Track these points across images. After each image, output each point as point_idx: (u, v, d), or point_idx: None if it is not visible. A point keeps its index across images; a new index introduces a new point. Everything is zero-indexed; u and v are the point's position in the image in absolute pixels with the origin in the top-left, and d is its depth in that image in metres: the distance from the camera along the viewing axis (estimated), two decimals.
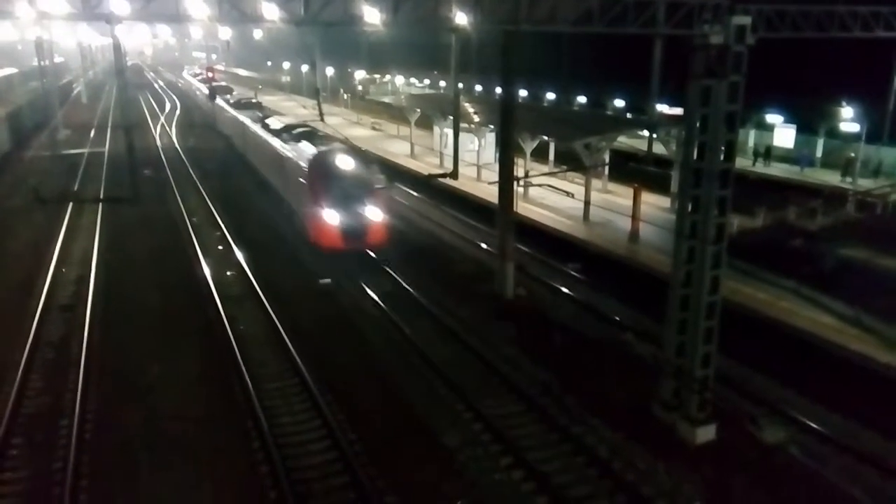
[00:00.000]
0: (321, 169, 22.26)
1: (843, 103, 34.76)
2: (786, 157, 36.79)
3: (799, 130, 37.21)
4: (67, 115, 59.91)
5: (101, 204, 29.65)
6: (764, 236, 22.27)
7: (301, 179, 22.99)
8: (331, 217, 21.44)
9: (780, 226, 23.17)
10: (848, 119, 34.96)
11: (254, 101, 47.40)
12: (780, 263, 19.57)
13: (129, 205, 22.95)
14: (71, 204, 29.74)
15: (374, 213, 22.04)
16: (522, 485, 11.70)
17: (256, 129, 34.15)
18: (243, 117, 38.96)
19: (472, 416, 13.69)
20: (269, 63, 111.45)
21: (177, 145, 48.73)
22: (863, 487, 11.55)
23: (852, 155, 32.89)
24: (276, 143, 28.38)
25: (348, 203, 21.69)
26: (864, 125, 33.15)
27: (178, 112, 70.28)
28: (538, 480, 11.64)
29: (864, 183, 29.99)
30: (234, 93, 60.00)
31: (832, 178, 32.67)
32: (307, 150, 24.36)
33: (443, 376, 15.12)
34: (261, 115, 37.19)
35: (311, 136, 27.58)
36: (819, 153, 36.10)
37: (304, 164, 22.91)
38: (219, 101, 50.54)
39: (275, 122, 32.58)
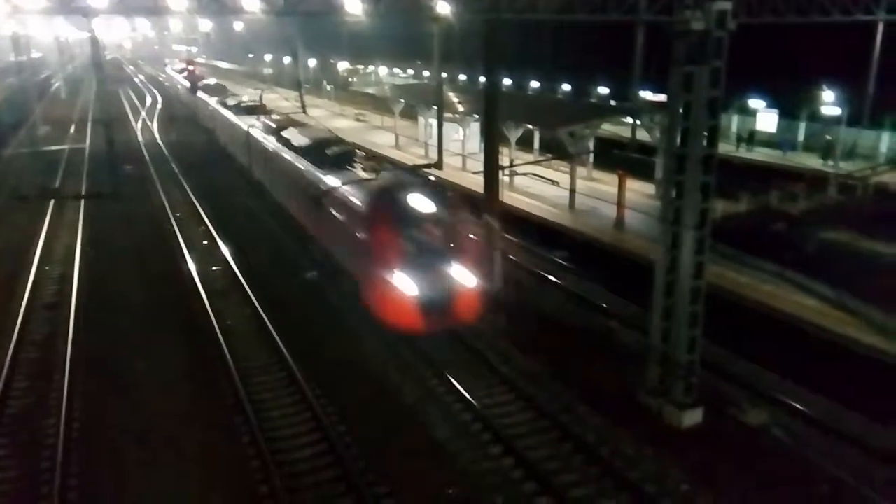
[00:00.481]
0: (388, 214, 15.86)
1: (824, 87, 35.08)
2: (768, 141, 37.06)
3: (781, 115, 37.49)
4: (46, 111, 59.01)
5: (83, 200, 29.34)
6: (748, 221, 22.47)
7: (355, 228, 16.58)
8: (405, 285, 15.01)
9: (764, 210, 23.38)
10: (829, 103, 35.31)
11: (259, 103, 37.49)
12: (764, 248, 19.76)
13: (111, 200, 22.70)
14: (52, 201, 29.39)
15: (463, 276, 15.70)
16: (512, 472, 11.79)
17: (270, 144, 26.93)
18: (249, 127, 31.19)
19: (462, 406, 13.74)
20: (251, 55, 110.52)
21: (159, 140, 48.25)
22: (846, 468, 11.72)
23: (828, 138, 33.30)
24: (306, 168, 21.40)
25: (429, 263, 15.51)
26: (844, 109, 33.48)
27: (159, 107, 69.51)
28: (527, 468, 11.74)
29: (846, 166, 30.28)
30: (211, 87, 53.57)
31: (814, 161, 32.95)
32: (359, 183, 17.93)
33: (433, 367, 15.15)
34: (273, 124, 28.98)
35: (352, 157, 20.90)
36: (801, 137, 36.41)
37: (359, 207, 16.64)
38: (214, 104, 43.48)
39: (296, 137, 24.41)
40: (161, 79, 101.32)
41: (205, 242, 24.55)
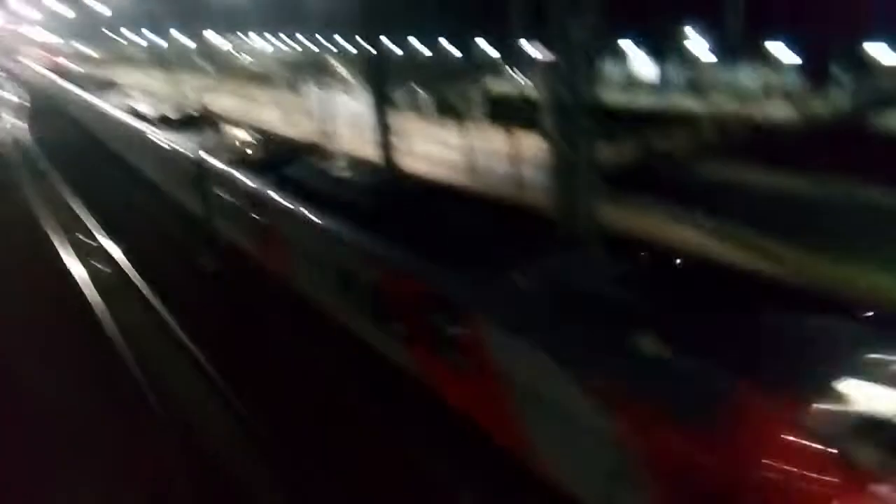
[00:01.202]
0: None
1: (692, 27, 36.89)
2: (645, 84, 38.56)
3: (656, 58, 39.06)
4: None
5: None
6: (632, 164, 23.47)
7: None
8: None
9: (646, 152, 24.49)
10: (699, 42, 37.21)
11: (204, 110, 26.76)
12: (651, 188, 20.73)
13: None
14: None
15: None
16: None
17: (264, 194, 15.20)
18: (201, 156, 19.26)
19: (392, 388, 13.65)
20: (121, 35, 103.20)
21: (22, 138, 44.65)
22: None
23: (692, 77, 35.27)
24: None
25: None
26: (714, 48, 35.39)
27: (15, 101, 64.06)
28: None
29: (719, 103, 32.06)
30: (96, 80, 47.05)
31: (690, 102, 34.65)
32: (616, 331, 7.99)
33: (360, 344, 14.83)
34: (264, 155, 18.77)
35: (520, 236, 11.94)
36: (678, 80, 38.11)
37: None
38: (109, 110, 34.19)
39: (330, 183, 14.66)
40: (17, 71, 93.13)
41: (91, 243, 23.08)
